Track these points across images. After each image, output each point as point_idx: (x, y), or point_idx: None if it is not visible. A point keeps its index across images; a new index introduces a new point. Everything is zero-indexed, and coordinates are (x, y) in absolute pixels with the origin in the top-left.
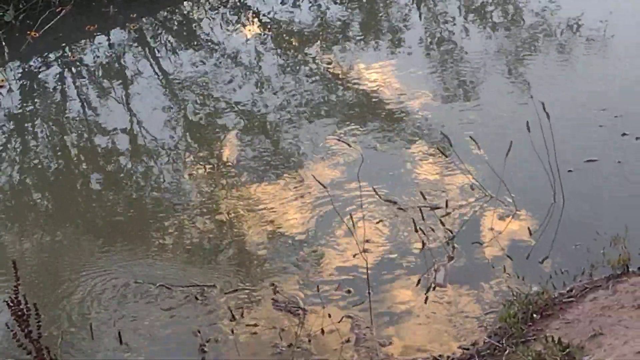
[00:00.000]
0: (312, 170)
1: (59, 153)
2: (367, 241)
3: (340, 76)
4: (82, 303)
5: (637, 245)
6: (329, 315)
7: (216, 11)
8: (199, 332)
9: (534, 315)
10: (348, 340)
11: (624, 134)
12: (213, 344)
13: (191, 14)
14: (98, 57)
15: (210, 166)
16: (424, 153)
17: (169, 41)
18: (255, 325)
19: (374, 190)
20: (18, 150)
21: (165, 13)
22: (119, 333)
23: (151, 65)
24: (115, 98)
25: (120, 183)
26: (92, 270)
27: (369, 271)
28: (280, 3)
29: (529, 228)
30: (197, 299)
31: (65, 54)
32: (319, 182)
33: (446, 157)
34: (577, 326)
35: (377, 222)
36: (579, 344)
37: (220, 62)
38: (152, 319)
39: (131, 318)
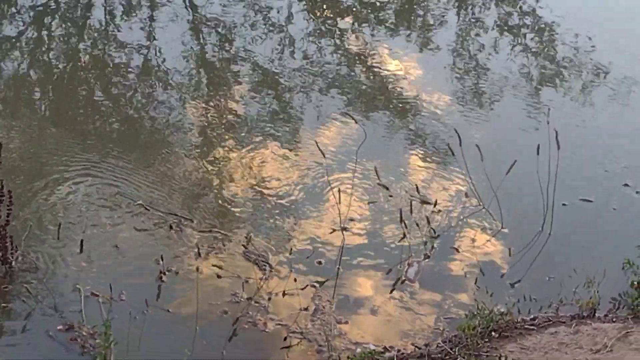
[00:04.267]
0: (313, 139)
1: (71, 56)
2: (351, 219)
3: (363, 56)
4: (57, 203)
5: (609, 292)
6: (295, 280)
7: None
8: (162, 259)
9: (493, 333)
10: (306, 309)
11: (625, 185)
12: (173, 276)
13: None
14: None
15: (215, 110)
16: (428, 149)
17: None
18: (220, 268)
19: (375, 170)
20: (31, 43)
21: None
22: (82, 241)
23: None
24: (139, 18)
25: (123, 100)
26: (77, 174)
27: (343, 248)
28: None
29: (509, 248)
30: (171, 227)
31: None
32: (319, 149)
33: (453, 154)
34: (531, 354)
35: (366, 203)
36: None
37: (250, 11)
38: (122, 235)
39: (102, 229)
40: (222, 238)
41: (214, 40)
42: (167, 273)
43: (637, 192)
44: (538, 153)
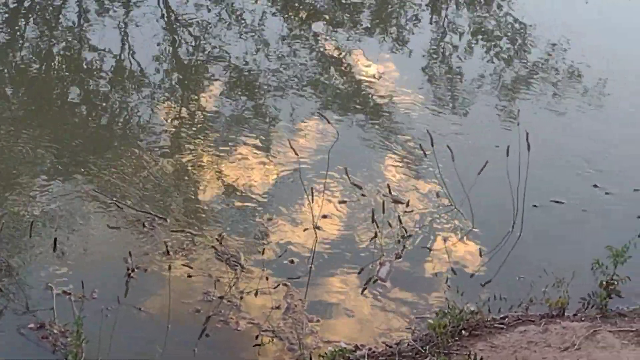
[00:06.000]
0: (286, 139)
1: (44, 57)
2: (325, 216)
3: (337, 58)
4: (29, 201)
5: (578, 292)
6: (267, 279)
7: None
8: (130, 255)
9: (463, 332)
10: (278, 307)
11: (595, 186)
12: (144, 274)
13: None
14: None
15: (188, 110)
16: (400, 150)
17: None
18: (192, 268)
19: (346, 170)
20: (3, 43)
21: None
22: (55, 240)
23: None
24: (113, 18)
25: (96, 101)
26: (49, 173)
27: (316, 247)
28: None
29: (480, 249)
30: (144, 225)
31: None
32: (292, 148)
33: (425, 155)
34: (501, 352)
35: (339, 202)
36: None
37: (225, 12)
38: (95, 233)
39: (74, 227)
40: (194, 237)
41: (188, 40)
42: (136, 270)
43: (606, 193)
44: (508, 154)
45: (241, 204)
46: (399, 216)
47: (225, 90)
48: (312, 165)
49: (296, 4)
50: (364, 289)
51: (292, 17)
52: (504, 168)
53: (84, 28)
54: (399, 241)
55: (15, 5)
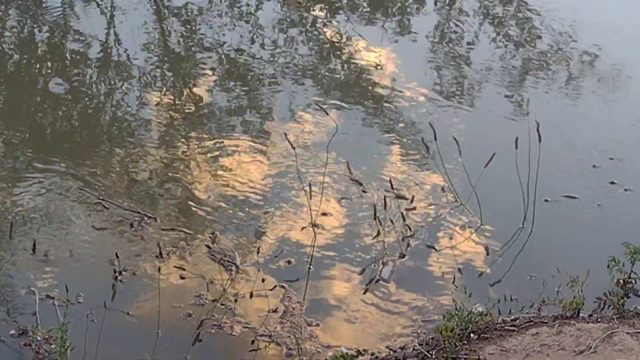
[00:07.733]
0: (283, 131)
1: (27, 47)
2: (324, 214)
3: (337, 46)
4: (10, 200)
5: (594, 292)
6: (263, 280)
7: None
8: (117, 256)
9: (471, 335)
10: (275, 311)
11: (612, 182)
12: (132, 277)
13: None
14: None
15: (179, 102)
16: (403, 143)
17: None
18: (183, 269)
19: (347, 165)
20: None
21: None
22: (34, 241)
23: None
24: (99, 5)
25: (82, 93)
26: (32, 170)
27: (315, 247)
28: None
29: (487, 247)
30: (132, 226)
31: None
32: (289, 141)
33: (428, 150)
34: (512, 356)
35: (339, 199)
36: None
37: None
38: (80, 234)
39: (58, 227)
40: (186, 237)
41: (179, 28)
42: (123, 273)
43: (625, 190)
44: (517, 147)
45: (236, 201)
46: (402, 213)
47: (218, 81)
48: (310, 160)
49: None
50: (365, 291)
51: (289, 3)
52: (513, 161)
53: (67, 15)
54: (402, 239)
55: None
